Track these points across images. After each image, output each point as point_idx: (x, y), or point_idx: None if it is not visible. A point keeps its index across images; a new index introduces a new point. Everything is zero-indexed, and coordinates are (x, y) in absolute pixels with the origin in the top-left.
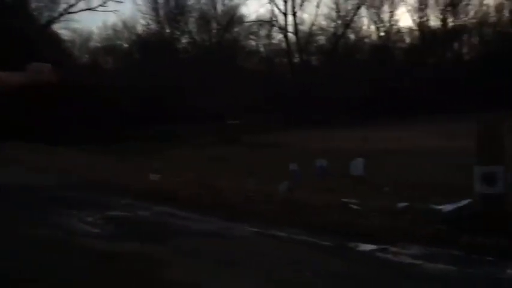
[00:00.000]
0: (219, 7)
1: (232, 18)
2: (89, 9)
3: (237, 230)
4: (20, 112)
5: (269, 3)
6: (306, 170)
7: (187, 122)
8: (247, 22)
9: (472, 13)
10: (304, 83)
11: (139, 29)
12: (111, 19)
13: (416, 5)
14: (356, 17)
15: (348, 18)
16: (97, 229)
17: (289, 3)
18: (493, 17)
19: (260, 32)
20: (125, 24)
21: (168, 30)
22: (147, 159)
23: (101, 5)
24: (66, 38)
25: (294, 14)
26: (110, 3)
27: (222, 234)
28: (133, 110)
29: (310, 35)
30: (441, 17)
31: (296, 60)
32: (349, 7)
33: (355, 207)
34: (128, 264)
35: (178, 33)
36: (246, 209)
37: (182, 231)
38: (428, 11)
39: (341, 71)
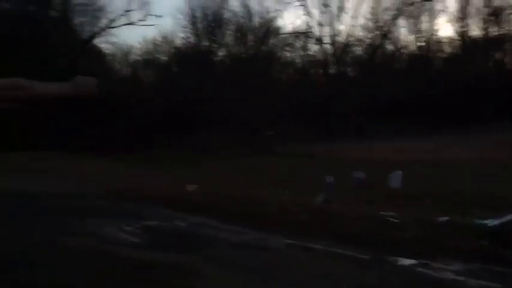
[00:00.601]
0: (256, 20)
1: (268, 30)
2: (130, 24)
3: (271, 241)
4: (61, 122)
5: (305, 14)
6: (342, 181)
7: (222, 133)
8: (283, 34)
9: None
10: (340, 94)
11: (178, 42)
12: (151, 33)
13: (456, 14)
14: (394, 27)
15: (386, 29)
16: (135, 238)
17: (326, 15)
18: None
19: (296, 43)
20: (164, 38)
21: (205, 43)
22: (183, 169)
23: (141, 20)
24: (107, 51)
25: (331, 25)
26: (150, 17)
27: (256, 246)
28: (170, 121)
29: (347, 45)
30: (482, 26)
31: (332, 71)
32: (387, 18)
33: (393, 220)
34: (165, 274)
35: (215, 46)
36: (281, 220)
37: (218, 242)
38: (469, 21)
39: (378, 81)
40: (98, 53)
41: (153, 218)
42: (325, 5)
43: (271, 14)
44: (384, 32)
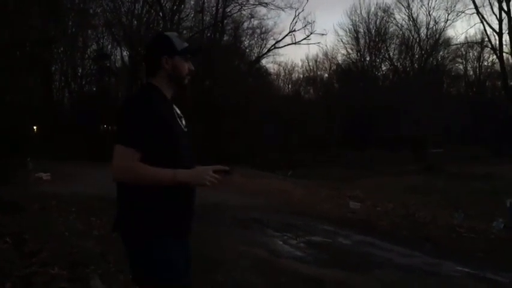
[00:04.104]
0: (423, 31)
1: (437, 41)
2: (294, 43)
3: (444, 267)
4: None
5: (480, 22)
6: None
7: (385, 149)
8: (454, 45)
9: None
10: None
11: (340, 58)
12: (314, 50)
13: None
14: None
15: None
16: (300, 252)
17: (505, 22)
18: None
19: (469, 54)
20: (326, 55)
21: (368, 58)
22: (346, 185)
23: (305, 39)
24: (272, 71)
25: (511, 33)
26: (312, 35)
27: (427, 271)
28: (333, 137)
29: None
30: None
31: None
32: None
33: None
34: None
35: (378, 60)
36: (454, 246)
37: (384, 263)
38: None
39: None
40: (264, 72)
41: (316, 233)
42: (504, 11)
43: (441, 25)
44: None
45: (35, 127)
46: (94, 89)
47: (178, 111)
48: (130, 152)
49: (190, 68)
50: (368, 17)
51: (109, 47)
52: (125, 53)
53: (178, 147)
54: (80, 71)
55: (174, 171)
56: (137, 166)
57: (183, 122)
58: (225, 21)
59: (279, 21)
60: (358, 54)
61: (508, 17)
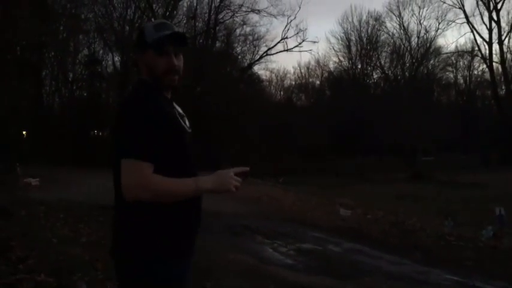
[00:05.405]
0: (414, 40)
1: (428, 50)
2: (286, 50)
3: (433, 276)
4: None
5: (471, 32)
6: None
7: (375, 157)
8: (444, 54)
9: None
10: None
11: (332, 66)
12: (306, 58)
13: None
14: None
15: None
16: (290, 260)
17: (495, 31)
18: None
19: (459, 63)
20: (318, 62)
21: (359, 66)
22: (337, 192)
23: (297, 46)
24: (264, 77)
25: (501, 43)
26: (304, 43)
27: (416, 279)
28: (323, 145)
29: None
30: None
31: (502, 92)
32: None
33: None
34: None
35: (369, 68)
36: (443, 254)
37: (374, 271)
38: None
39: None
40: (256, 79)
41: (306, 240)
42: (494, 21)
43: (431, 34)
44: None
45: (24, 132)
46: (85, 94)
47: (180, 110)
48: (144, 166)
49: (170, 63)
50: (360, 25)
51: (100, 52)
52: (116, 59)
53: (186, 151)
54: (71, 76)
55: (194, 180)
56: (154, 182)
57: (187, 122)
58: (217, 27)
59: (271, 28)
60: (350, 62)
61: (497, 26)
